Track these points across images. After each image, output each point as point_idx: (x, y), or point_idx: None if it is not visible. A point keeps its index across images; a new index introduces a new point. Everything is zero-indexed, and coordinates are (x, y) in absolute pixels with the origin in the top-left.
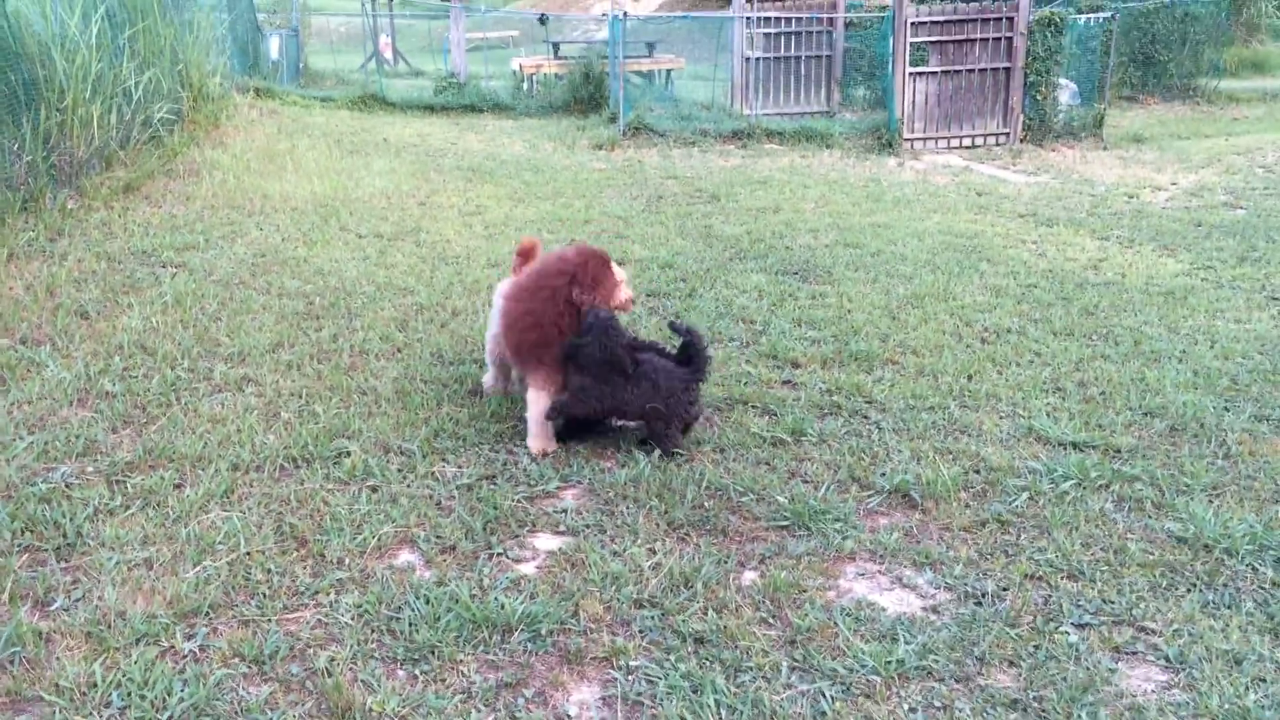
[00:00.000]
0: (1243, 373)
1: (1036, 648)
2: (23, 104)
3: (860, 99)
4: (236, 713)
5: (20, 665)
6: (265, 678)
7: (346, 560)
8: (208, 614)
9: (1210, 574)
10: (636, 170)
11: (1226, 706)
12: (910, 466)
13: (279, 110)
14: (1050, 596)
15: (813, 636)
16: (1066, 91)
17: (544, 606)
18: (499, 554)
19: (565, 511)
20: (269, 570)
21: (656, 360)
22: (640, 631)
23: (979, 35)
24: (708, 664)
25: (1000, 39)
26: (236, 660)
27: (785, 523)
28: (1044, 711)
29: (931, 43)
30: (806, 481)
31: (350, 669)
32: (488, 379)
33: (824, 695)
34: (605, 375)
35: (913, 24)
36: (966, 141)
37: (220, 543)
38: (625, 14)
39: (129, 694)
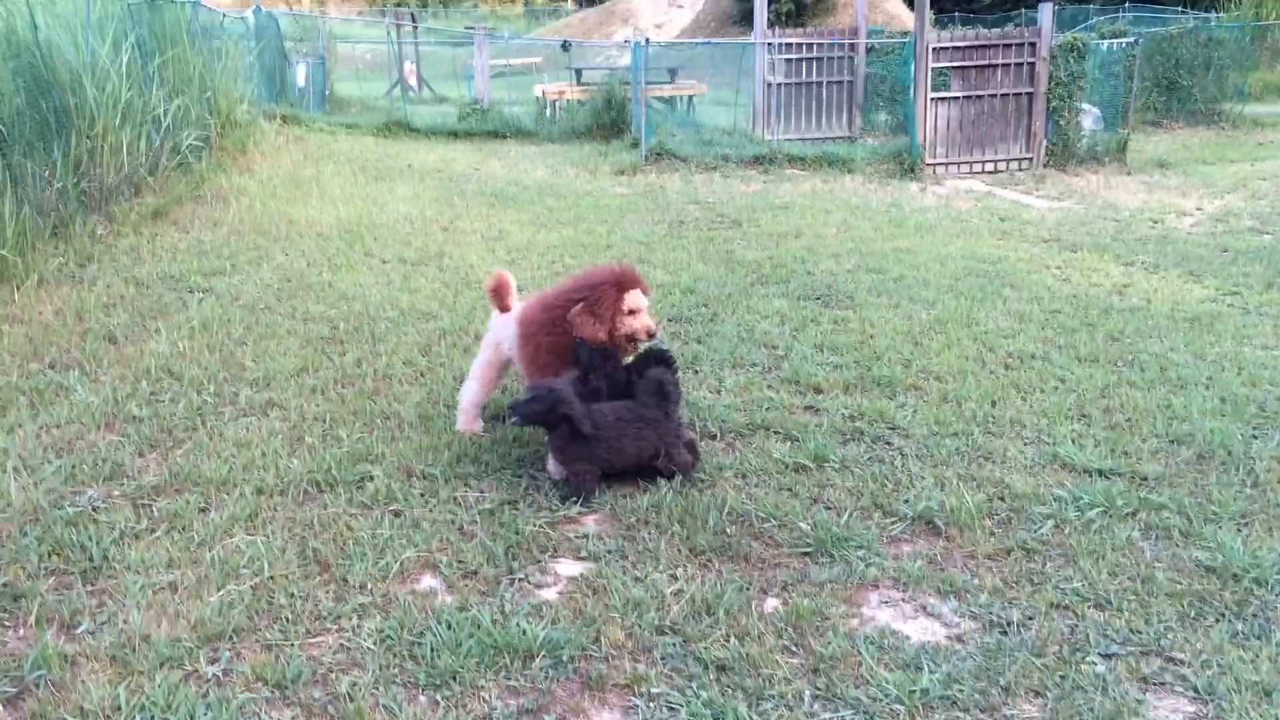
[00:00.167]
0: (1271, 400)
1: (1063, 678)
2: (54, 131)
3: (882, 124)
4: None
5: (46, 688)
6: (288, 702)
7: (369, 585)
8: (231, 638)
9: (1239, 604)
10: (658, 195)
11: None
12: (934, 493)
13: (305, 137)
14: (1076, 626)
15: (836, 665)
16: (1090, 116)
17: (565, 632)
18: (521, 579)
19: (587, 537)
20: (292, 595)
21: (617, 411)
22: (662, 658)
23: (1001, 60)
24: (730, 692)
25: (1023, 64)
26: (259, 685)
27: (808, 549)
28: None
29: (953, 68)
30: (829, 508)
31: (372, 694)
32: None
33: None
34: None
35: (934, 49)
36: (989, 166)
37: (244, 567)
38: (647, 40)
39: (152, 717)
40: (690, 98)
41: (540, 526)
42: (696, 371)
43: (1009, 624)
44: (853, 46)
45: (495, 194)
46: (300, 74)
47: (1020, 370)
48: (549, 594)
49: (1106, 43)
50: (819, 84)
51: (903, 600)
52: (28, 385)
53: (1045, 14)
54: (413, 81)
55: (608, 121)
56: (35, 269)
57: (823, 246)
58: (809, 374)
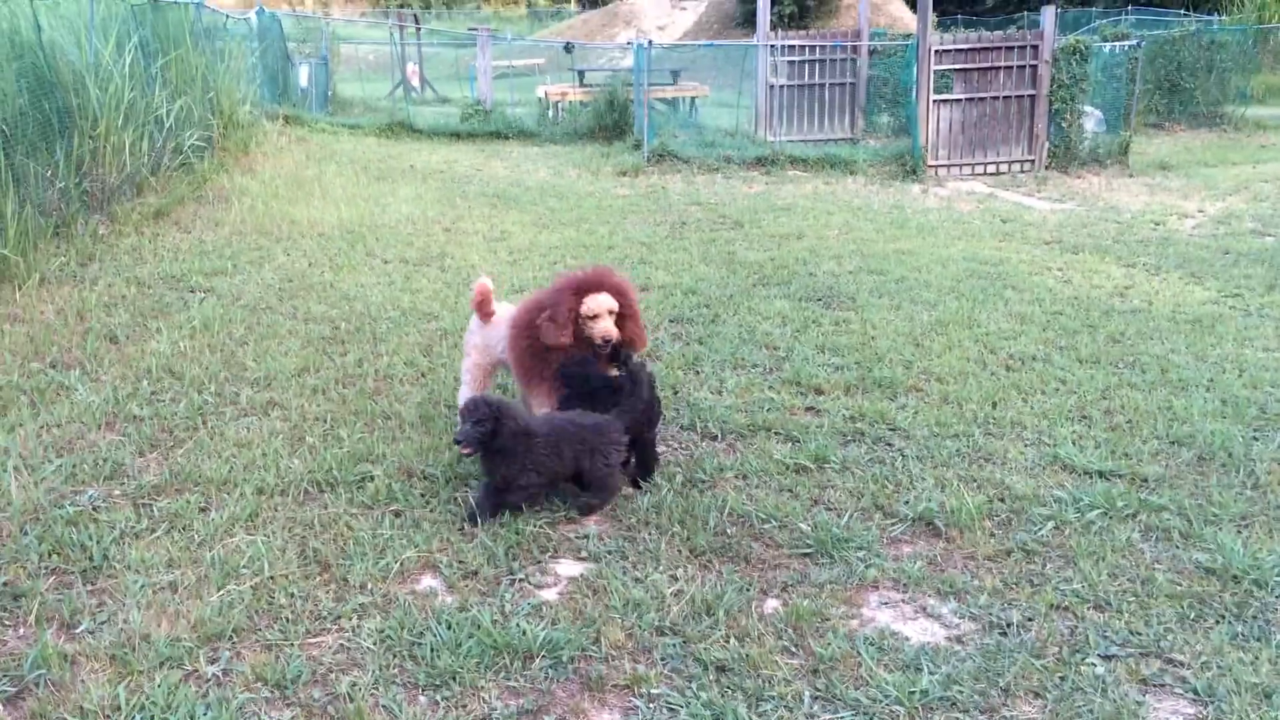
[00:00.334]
0: (1271, 402)
1: (1062, 679)
2: (57, 131)
3: (884, 126)
4: None
5: (46, 688)
6: (288, 702)
7: (369, 585)
8: (231, 638)
9: (1239, 605)
10: (660, 196)
11: None
12: (934, 494)
13: (307, 137)
14: (1076, 627)
15: (835, 666)
16: (1092, 119)
17: (565, 633)
18: (521, 580)
19: (587, 538)
20: (292, 595)
21: (570, 420)
22: (662, 659)
23: (1003, 63)
24: (729, 693)
25: (1025, 66)
26: (259, 685)
27: (808, 550)
28: None
29: (955, 70)
30: (829, 509)
31: (372, 694)
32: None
33: None
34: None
35: (937, 51)
36: (991, 168)
37: (244, 567)
38: (650, 42)
39: (153, 717)
40: (693, 99)
41: (540, 527)
42: (698, 372)
43: (1009, 625)
44: (855, 49)
45: (497, 195)
46: (303, 75)
47: (1021, 372)
48: (549, 594)
49: (1109, 45)
50: (821, 86)
51: (903, 601)
52: (29, 384)
53: (1048, 17)
54: (415, 82)
55: (610, 123)
56: (37, 268)
57: (824, 248)
58: (810, 375)
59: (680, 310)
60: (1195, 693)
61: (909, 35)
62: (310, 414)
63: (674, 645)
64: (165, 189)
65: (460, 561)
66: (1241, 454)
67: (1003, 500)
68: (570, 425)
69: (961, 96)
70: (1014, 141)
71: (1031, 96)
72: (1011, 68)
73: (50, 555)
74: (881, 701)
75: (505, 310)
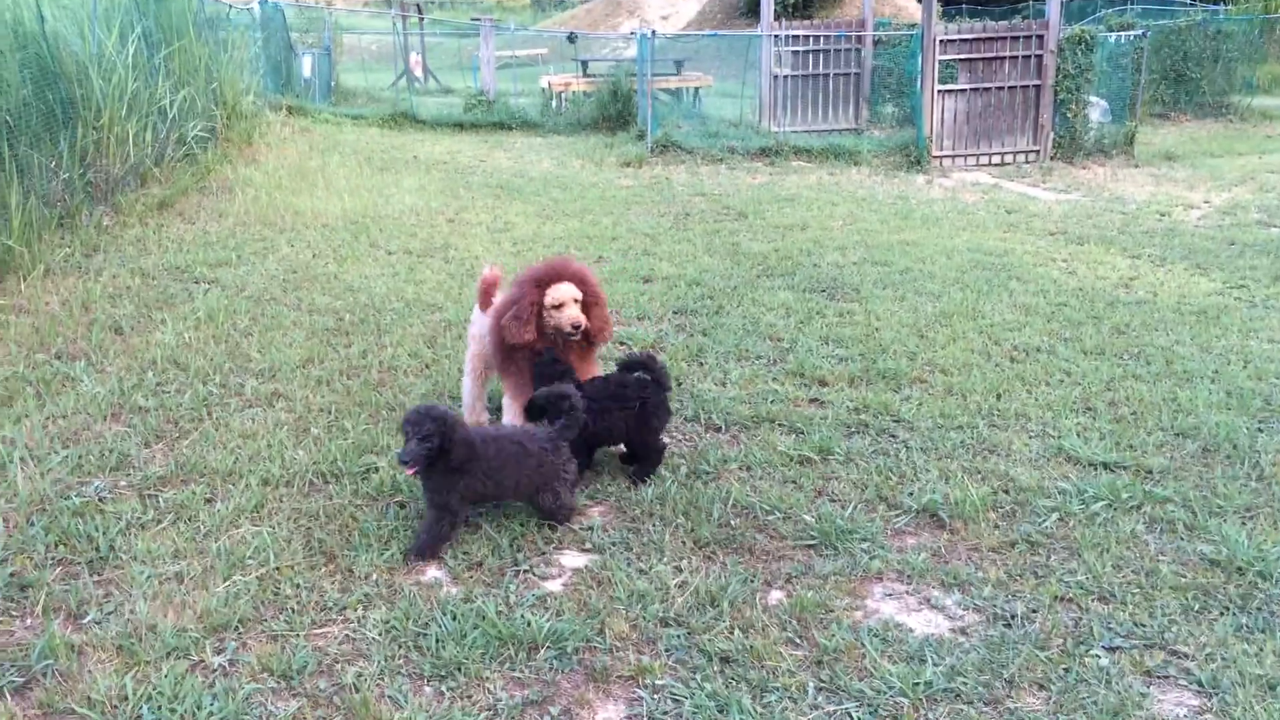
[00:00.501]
0: (1276, 393)
1: (1067, 670)
2: (60, 122)
3: (889, 116)
4: None
5: (53, 678)
6: (294, 693)
7: (374, 576)
8: (237, 628)
9: (1244, 597)
10: (664, 187)
11: None
12: (938, 486)
13: (311, 128)
14: (1081, 619)
15: (839, 657)
16: (1097, 109)
17: (570, 624)
18: (525, 571)
19: (591, 529)
20: (298, 585)
21: (510, 437)
22: (666, 650)
23: (1008, 53)
24: (734, 684)
25: (1030, 56)
26: (265, 675)
27: (812, 542)
28: None
29: (960, 60)
30: (834, 500)
31: (377, 685)
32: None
33: (850, 717)
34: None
35: (941, 41)
36: (996, 159)
37: (250, 557)
38: (654, 32)
39: (159, 707)
40: (696, 90)
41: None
42: (702, 364)
43: (1013, 617)
44: (859, 39)
45: (501, 186)
46: (306, 65)
47: (1026, 363)
48: (553, 586)
49: (1114, 35)
50: (825, 76)
51: (907, 593)
52: (34, 375)
53: (1053, 6)
54: (418, 73)
55: (614, 113)
56: (42, 259)
57: (828, 239)
58: (814, 367)
59: (684, 301)
60: (1200, 684)
61: (913, 25)
62: (315, 405)
63: (678, 636)
64: (169, 180)
65: (465, 553)
66: (1246, 446)
67: (1007, 492)
68: (519, 443)
69: (966, 86)
70: (1019, 132)
71: (1037, 86)
72: (1017, 57)
73: (57, 546)
74: (886, 693)
75: None
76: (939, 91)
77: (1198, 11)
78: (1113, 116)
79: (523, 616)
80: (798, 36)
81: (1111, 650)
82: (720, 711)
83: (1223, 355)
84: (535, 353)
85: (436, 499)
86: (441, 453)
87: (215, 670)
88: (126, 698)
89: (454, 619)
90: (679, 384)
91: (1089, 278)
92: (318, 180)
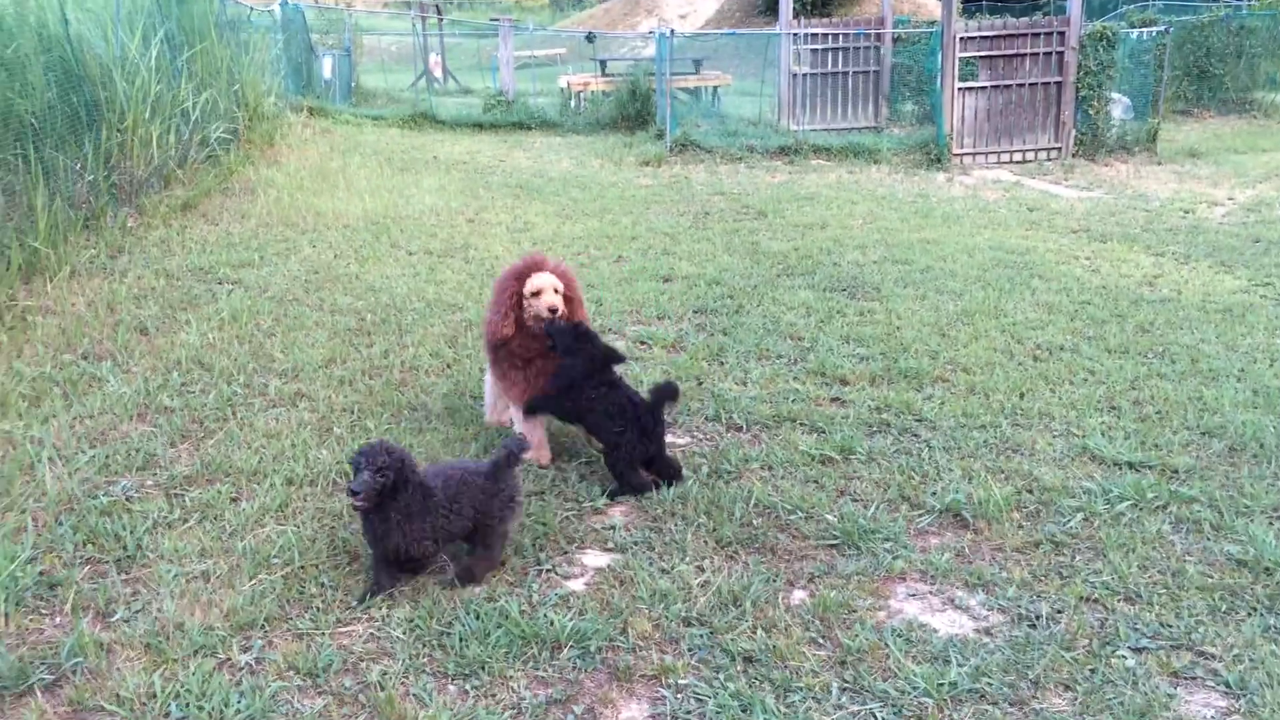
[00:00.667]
0: None
1: (1092, 671)
2: (85, 124)
3: (908, 114)
4: None
5: (83, 675)
6: (319, 690)
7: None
8: (263, 627)
9: (1271, 598)
10: (683, 186)
11: None
12: (961, 486)
13: (331, 129)
14: (1106, 619)
15: (863, 657)
16: (1119, 106)
17: (593, 623)
18: (548, 570)
19: (613, 528)
20: (322, 584)
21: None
22: (689, 650)
23: (1029, 50)
24: (757, 683)
25: (1051, 53)
26: (291, 673)
27: (834, 541)
28: None
29: (981, 57)
30: (856, 500)
31: (402, 683)
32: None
33: (874, 717)
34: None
35: (962, 39)
36: (1017, 156)
37: (275, 556)
38: (672, 31)
39: (187, 705)
40: (715, 89)
41: (567, 518)
42: (722, 363)
43: (1038, 617)
44: (879, 36)
45: (520, 186)
46: (326, 66)
47: (1049, 362)
48: (576, 585)
49: (1136, 31)
50: (845, 74)
51: (930, 593)
52: (61, 376)
53: (1074, 3)
54: (438, 73)
55: (632, 113)
56: (67, 261)
57: (848, 238)
58: (835, 366)
59: (704, 301)
60: (1227, 685)
61: (933, 22)
62: (337, 405)
63: (701, 636)
64: (192, 181)
65: None
66: (1273, 445)
67: (1031, 491)
68: (467, 477)
69: (987, 84)
70: (1040, 129)
71: (1058, 83)
72: (1038, 54)
73: (85, 545)
74: (910, 693)
75: None
76: (959, 89)
77: (1221, 7)
78: (1135, 113)
79: (546, 615)
80: (817, 34)
81: (1138, 651)
82: (744, 711)
83: (1248, 353)
84: (525, 357)
85: (378, 545)
86: (393, 490)
87: (242, 668)
88: (155, 695)
89: (477, 618)
90: (699, 383)
91: (1112, 276)
92: (339, 181)
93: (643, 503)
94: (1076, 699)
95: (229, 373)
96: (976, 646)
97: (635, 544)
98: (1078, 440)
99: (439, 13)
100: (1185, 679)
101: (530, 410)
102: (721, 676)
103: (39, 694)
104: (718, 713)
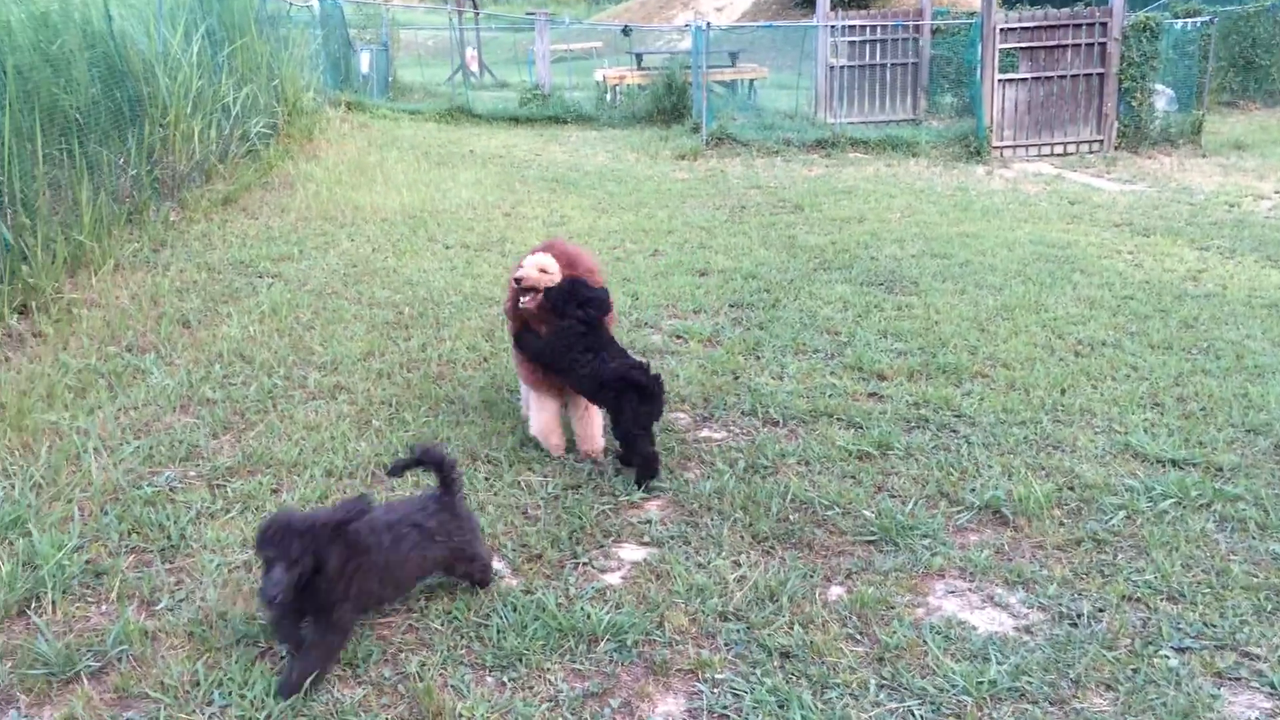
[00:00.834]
0: None
1: (1135, 671)
2: (128, 120)
3: (947, 106)
4: (331, 714)
5: (128, 663)
6: (359, 680)
7: None
8: None
9: None
10: (719, 180)
11: None
12: (1001, 482)
13: (369, 123)
14: (1149, 619)
15: (901, 654)
16: (1163, 97)
17: (629, 617)
18: (584, 563)
19: (650, 523)
20: None
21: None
22: (726, 644)
23: (1071, 41)
24: (794, 679)
25: (1093, 44)
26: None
27: (872, 538)
28: None
29: (1021, 49)
30: (894, 496)
31: (440, 674)
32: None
33: (913, 715)
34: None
35: (1002, 30)
36: (1058, 149)
37: None
38: (709, 24)
39: (230, 693)
40: (751, 81)
41: (603, 511)
42: (758, 357)
43: (1079, 616)
44: (917, 28)
45: (556, 179)
46: (364, 61)
47: (1091, 357)
48: (613, 579)
49: (1180, 22)
50: (883, 66)
51: (969, 590)
52: (106, 368)
53: None
54: (474, 67)
55: (668, 106)
56: (111, 254)
57: (886, 231)
58: (872, 360)
59: (740, 295)
60: (1272, 686)
61: (973, 13)
62: (376, 398)
63: (738, 631)
64: (233, 176)
65: (524, 545)
66: None
67: (1072, 489)
68: (414, 523)
69: (1028, 75)
70: (1082, 121)
71: (1100, 75)
72: (1079, 45)
73: (130, 534)
74: (949, 691)
75: None
76: (999, 81)
77: None
78: (1179, 105)
79: (582, 609)
80: (854, 27)
81: (1181, 651)
82: (780, 707)
83: None
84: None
85: (321, 616)
86: (315, 573)
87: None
88: (198, 683)
89: (515, 610)
90: (735, 378)
91: (1156, 270)
92: (376, 175)
93: (679, 497)
94: (1118, 699)
95: (269, 365)
96: (1016, 645)
97: (672, 538)
98: (1120, 437)
99: (475, 7)
100: (1229, 680)
101: (518, 344)
102: (758, 672)
103: (85, 681)
104: (754, 708)
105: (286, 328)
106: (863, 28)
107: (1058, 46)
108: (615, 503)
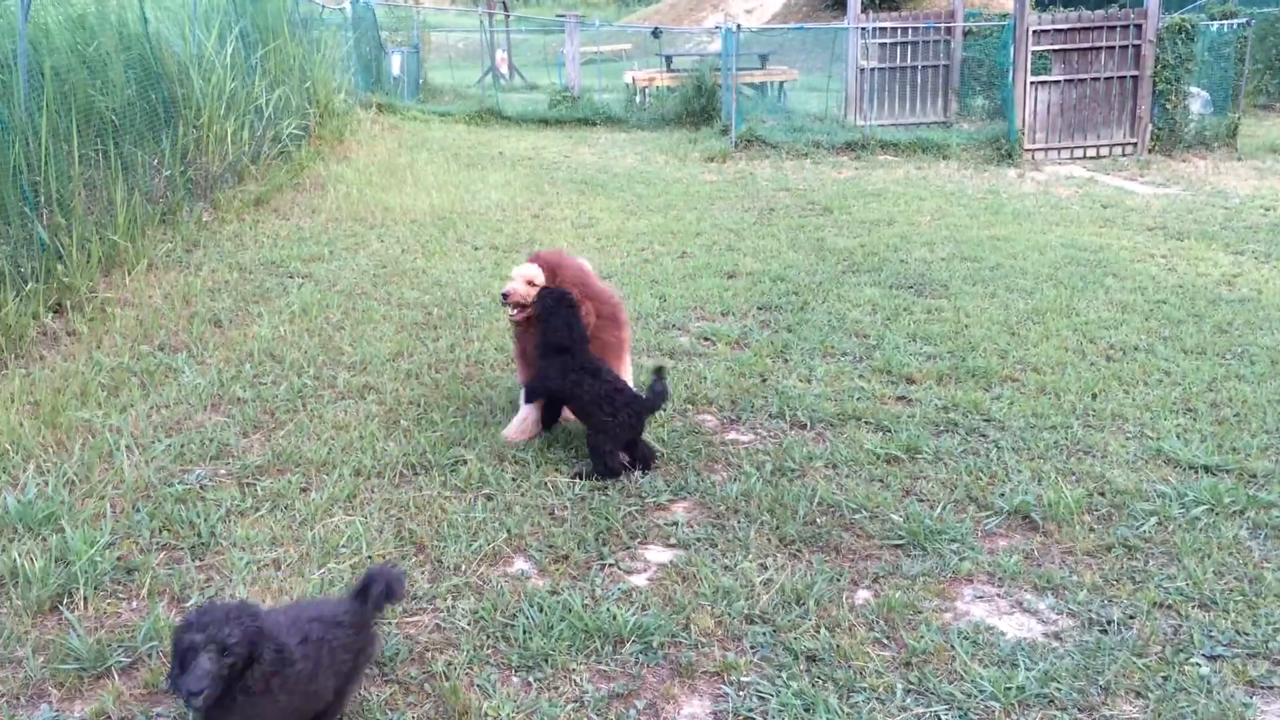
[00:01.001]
0: None
1: (1165, 679)
2: (163, 121)
3: (978, 109)
4: (359, 713)
5: (158, 659)
6: (386, 679)
7: (463, 566)
8: None
9: None
10: (748, 182)
11: None
12: (1030, 487)
13: (399, 125)
14: (1180, 626)
15: (929, 659)
16: (1198, 100)
17: (655, 618)
18: (611, 565)
19: (676, 524)
20: None
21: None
22: (752, 647)
23: (1105, 43)
24: (820, 683)
25: (1128, 46)
26: None
27: (900, 542)
28: None
29: (1054, 51)
30: (922, 500)
31: (467, 674)
32: None
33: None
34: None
35: (1035, 32)
36: (1091, 152)
37: (343, 546)
38: (739, 26)
39: None
40: (781, 84)
41: (630, 513)
42: (786, 360)
43: (1109, 622)
44: (949, 30)
45: (585, 181)
46: (395, 63)
47: (1122, 362)
48: (639, 580)
49: (1217, 24)
50: (914, 68)
51: (998, 595)
52: (139, 366)
53: None
54: (504, 69)
55: (698, 108)
56: (145, 254)
57: (916, 234)
58: (901, 364)
59: (769, 298)
60: None
61: (1005, 15)
62: (404, 398)
63: (764, 634)
64: (265, 177)
65: (551, 545)
66: None
67: (1103, 494)
68: (331, 626)
69: (1060, 78)
70: (1115, 124)
71: (1134, 77)
72: (1113, 47)
73: (161, 531)
74: (976, 697)
75: None
76: (1032, 83)
77: None
78: (1214, 108)
79: (609, 610)
80: (885, 29)
81: (1212, 659)
82: (806, 710)
83: None
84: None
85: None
86: (246, 668)
87: None
88: None
89: (541, 611)
90: (763, 380)
91: (1189, 274)
92: (406, 177)
93: (706, 500)
94: (1148, 706)
95: (299, 365)
96: (1045, 651)
97: (698, 540)
98: (1152, 442)
99: (506, 9)
100: (1262, 688)
101: (531, 394)
102: (784, 675)
103: (116, 676)
104: (780, 711)
105: (316, 328)
106: (894, 30)
107: (1091, 49)
108: (642, 504)
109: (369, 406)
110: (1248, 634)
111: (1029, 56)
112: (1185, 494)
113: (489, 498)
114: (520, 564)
